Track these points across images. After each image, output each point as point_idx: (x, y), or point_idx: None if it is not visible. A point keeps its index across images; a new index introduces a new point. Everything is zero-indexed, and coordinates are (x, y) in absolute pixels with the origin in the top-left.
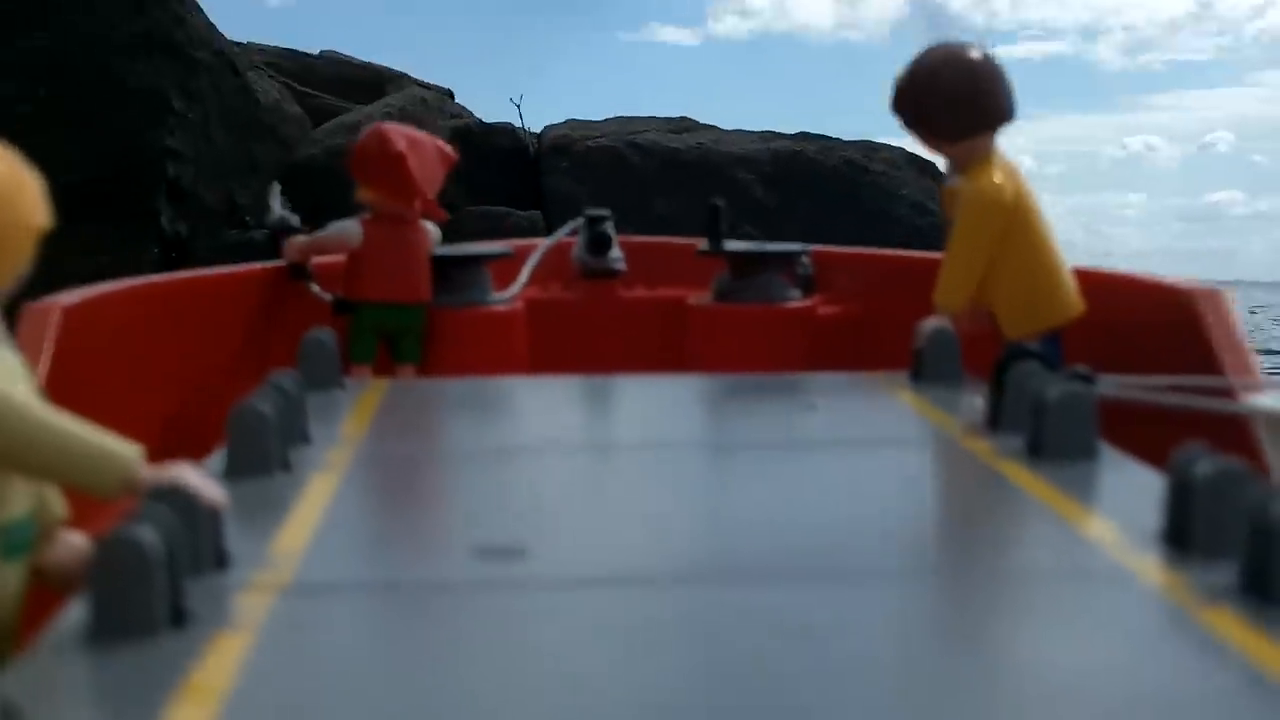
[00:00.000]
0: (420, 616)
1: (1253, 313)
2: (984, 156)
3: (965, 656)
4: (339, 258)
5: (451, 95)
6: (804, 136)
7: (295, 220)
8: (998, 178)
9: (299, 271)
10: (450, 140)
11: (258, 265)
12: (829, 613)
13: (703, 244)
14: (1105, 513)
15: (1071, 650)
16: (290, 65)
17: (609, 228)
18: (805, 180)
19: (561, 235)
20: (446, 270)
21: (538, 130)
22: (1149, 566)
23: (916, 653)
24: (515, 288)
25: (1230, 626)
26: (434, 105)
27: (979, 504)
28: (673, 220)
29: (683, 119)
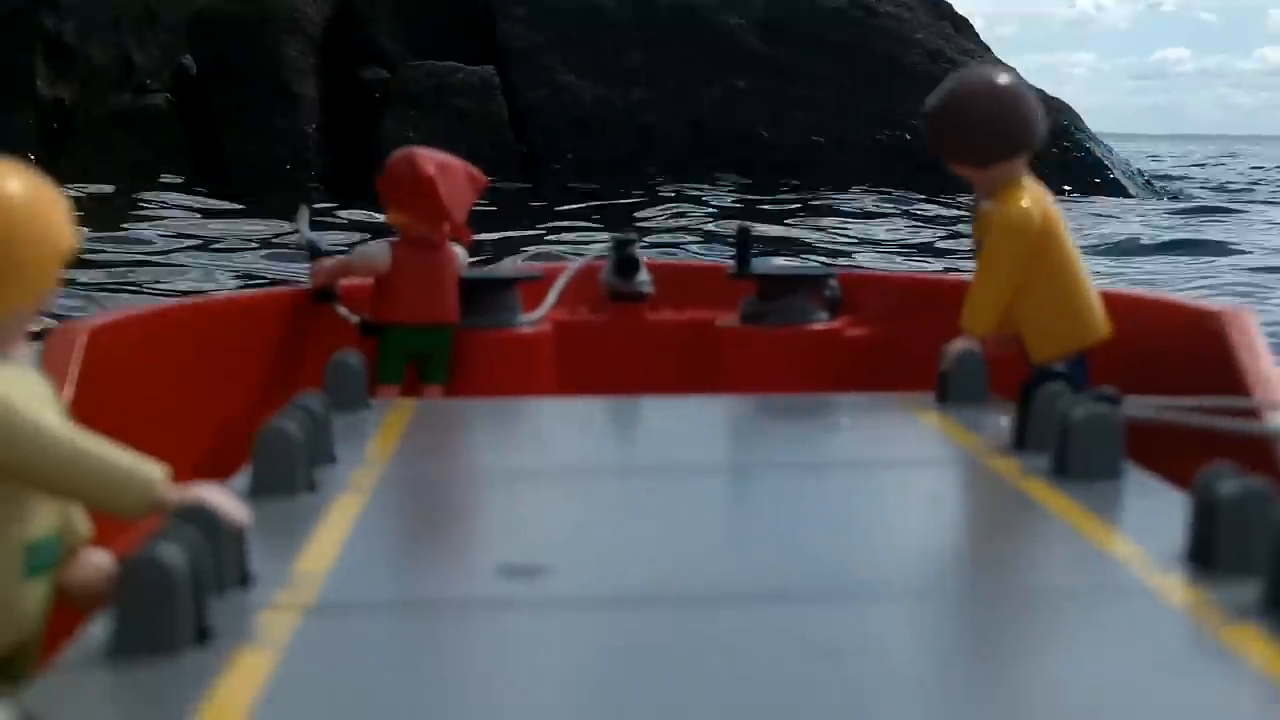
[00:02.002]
0: (443, 636)
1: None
2: (1013, 180)
3: (993, 676)
4: (365, 280)
5: None
6: None
7: (323, 243)
8: (1026, 202)
9: (326, 294)
10: None
11: (284, 288)
12: (855, 633)
13: (731, 267)
14: (1130, 533)
15: (1097, 669)
16: None
17: (637, 250)
18: (804, 29)
19: (589, 258)
20: (474, 292)
21: None
22: (1173, 586)
23: (943, 673)
24: (542, 309)
25: (1254, 645)
26: None
27: (1005, 524)
28: (649, 74)
29: None
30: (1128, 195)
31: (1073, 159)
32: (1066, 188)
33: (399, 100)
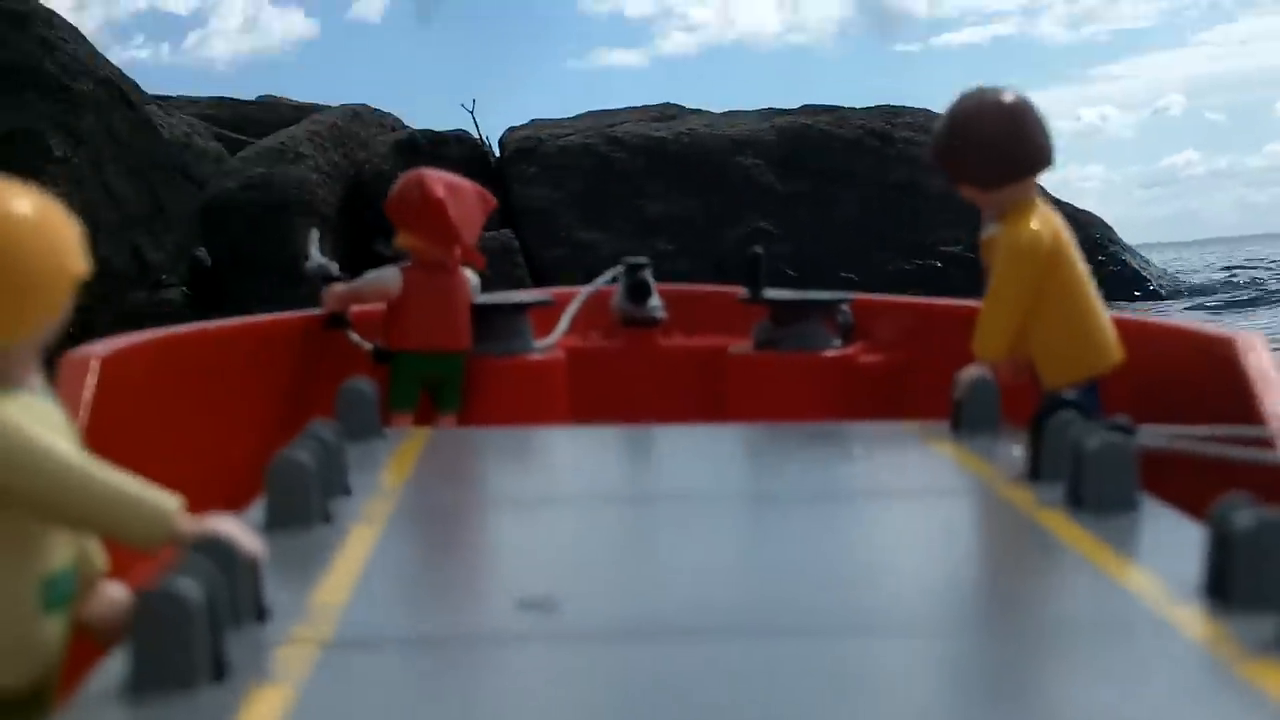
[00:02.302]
0: (461, 671)
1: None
2: (1022, 203)
3: (1009, 711)
4: (378, 306)
5: (397, 121)
6: (811, 109)
7: (334, 268)
8: (1035, 225)
9: (338, 320)
10: (390, 156)
11: (296, 314)
12: (871, 665)
13: (742, 292)
14: (1146, 564)
15: (1115, 703)
16: (223, 113)
17: (648, 275)
18: (819, 159)
19: (600, 283)
20: (487, 318)
21: (497, 140)
22: (1190, 619)
23: (960, 705)
24: (555, 336)
25: (1272, 679)
26: (369, 120)
27: (1020, 555)
28: (669, 223)
29: (666, 105)
30: (1165, 298)
31: (1109, 273)
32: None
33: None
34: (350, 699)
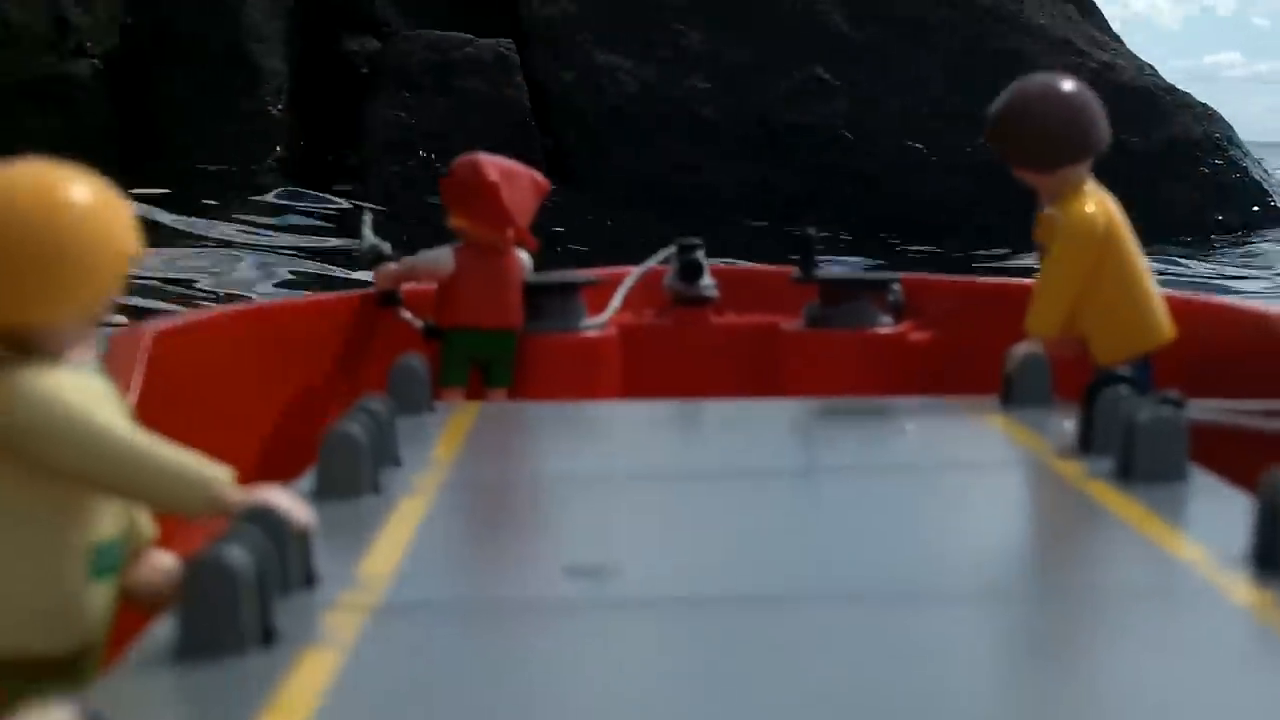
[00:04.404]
0: (509, 636)
1: None
2: (1078, 185)
3: (1060, 678)
4: (429, 285)
5: None
6: None
7: (387, 248)
8: (1090, 207)
9: (389, 298)
10: None
11: (349, 293)
12: (923, 634)
13: (795, 272)
14: (1195, 535)
15: (1164, 672)
16: None
17: (700, 255)
18: (898, 4)
19: (653, 263)
20: (539, 296)
21: None
22: (1239, 588)
23: (1012, 674)
24: (607, 314)
25: None
26: None
27: (1071, 527)
28: (708, 60)
29: None
30: None
31: (1232, 180)
32: (1219, 218)
33: (392, 78)
34: (398, 663)
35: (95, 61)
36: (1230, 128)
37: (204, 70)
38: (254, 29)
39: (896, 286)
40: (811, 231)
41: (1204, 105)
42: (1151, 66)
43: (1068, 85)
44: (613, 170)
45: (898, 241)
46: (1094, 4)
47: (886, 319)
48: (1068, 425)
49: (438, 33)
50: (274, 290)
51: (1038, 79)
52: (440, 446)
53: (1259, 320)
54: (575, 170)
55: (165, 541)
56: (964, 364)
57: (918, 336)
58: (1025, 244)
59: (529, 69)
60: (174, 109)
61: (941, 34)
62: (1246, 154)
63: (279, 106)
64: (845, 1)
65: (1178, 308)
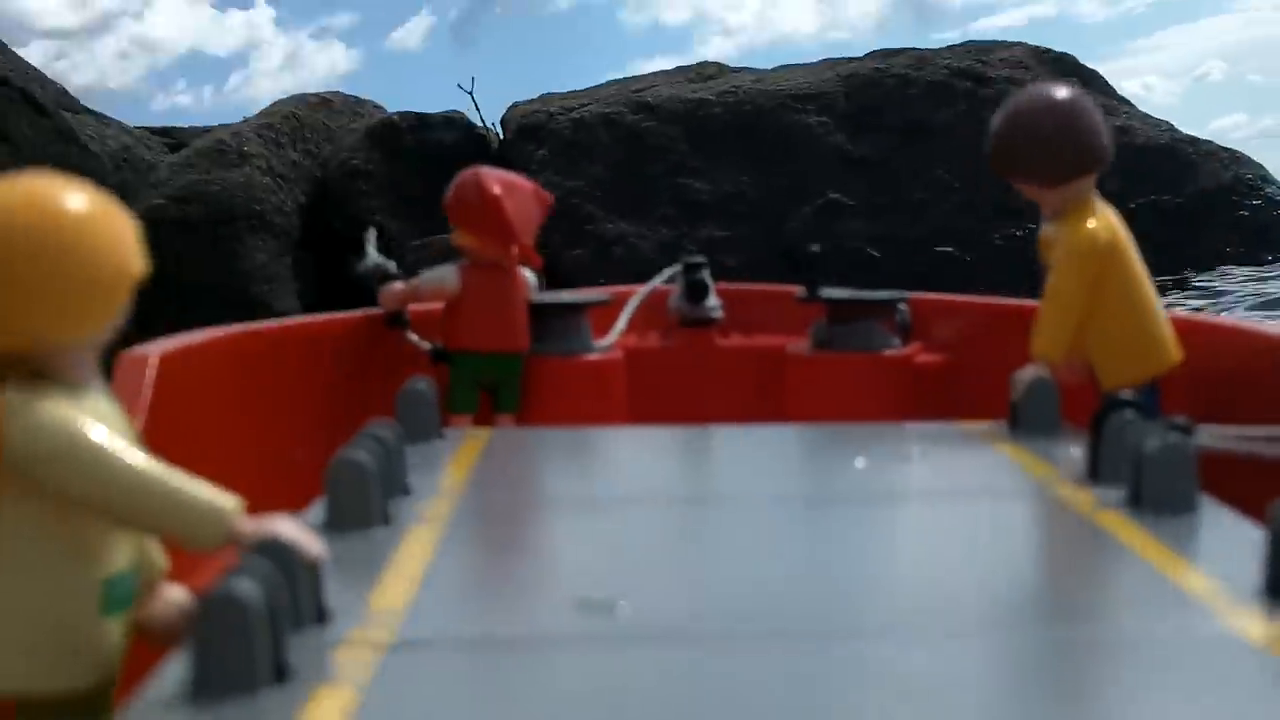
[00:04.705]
0: (523, 673)
1: None
2: (1081, 201)
3: (1067, 711)
4: (436, 305)
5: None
6: (883, 53)
7: (392, 266)
8: (1093, 224)
9: (396, 319)
10: (364, 146)
11: (356, 313)
12: (932, 667)
13: (800, 291)
14: (1205, 566)
15: (1174, 706)
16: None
17: (706, 275)
18: (898, 112)
19: (658, 283)
20: (545, 318)
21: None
22: (1248, 620)
23: (1018, 706)
24: (612, 336)
25: None
26: (342, 108)
27: (1080, 558)
28: (720, 205)
29: (704, 64)
30: None
31: (1273, 218)
32: (1270, 258)
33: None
34: (412, 700)
35: None
36: (1261, 166)
37: (208, 308)
38: (258, 270)
39: (903, 306)
40: (814, 249)
41: (1229, 149)
42: (1168, 122)
43: (1068, 96)
44: None
45: None
46: (1095, 71)
47: (894, 340)
48: (1076, 452)
49: (443, 237)
50: None
51: (1037, 91)
52: (449, 474)
53: (1266, 342)
54: None
55: (175, 575)
56: (972, 386)
57: (925, 359)
58: None
59: (540, 250)
60: None
61: (945, 132)
62: None
63: None
64: (845, 119)
65: (1185, 330)
